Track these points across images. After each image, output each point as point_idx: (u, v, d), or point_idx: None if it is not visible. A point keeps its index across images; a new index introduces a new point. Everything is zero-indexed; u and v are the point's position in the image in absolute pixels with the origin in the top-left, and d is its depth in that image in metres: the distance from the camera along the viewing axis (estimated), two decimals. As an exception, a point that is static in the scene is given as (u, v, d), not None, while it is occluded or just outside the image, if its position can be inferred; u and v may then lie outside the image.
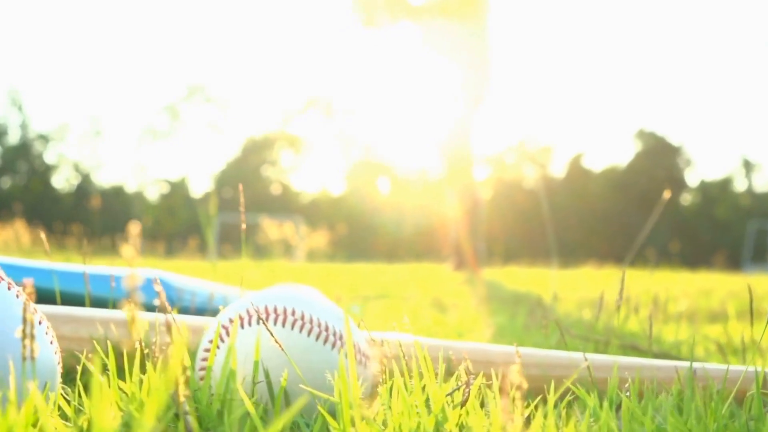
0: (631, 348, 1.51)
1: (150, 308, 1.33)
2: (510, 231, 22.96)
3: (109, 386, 0.70)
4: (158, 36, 43.05)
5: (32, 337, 0.50)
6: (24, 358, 0.53)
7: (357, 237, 23.38)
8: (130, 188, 29.59)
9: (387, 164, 28.52)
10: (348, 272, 5.82)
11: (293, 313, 0.82)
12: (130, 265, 0.49)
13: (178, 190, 29.30)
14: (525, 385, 0.51)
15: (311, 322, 0.82)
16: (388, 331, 1.12)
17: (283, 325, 0.81)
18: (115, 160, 40.61)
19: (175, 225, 26.54)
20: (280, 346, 0.77)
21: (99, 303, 1.24)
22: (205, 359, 0.81)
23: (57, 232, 11.87)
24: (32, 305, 0.71)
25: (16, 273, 1.16)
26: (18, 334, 0.54)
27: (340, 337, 0.83)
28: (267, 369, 0.77)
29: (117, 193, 27.98)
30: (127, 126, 40.19)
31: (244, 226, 0.99)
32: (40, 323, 0.68)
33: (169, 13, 42.93)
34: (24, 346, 0.52)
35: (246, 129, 38.46)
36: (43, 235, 1.07)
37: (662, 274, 6.03)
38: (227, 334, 0.82)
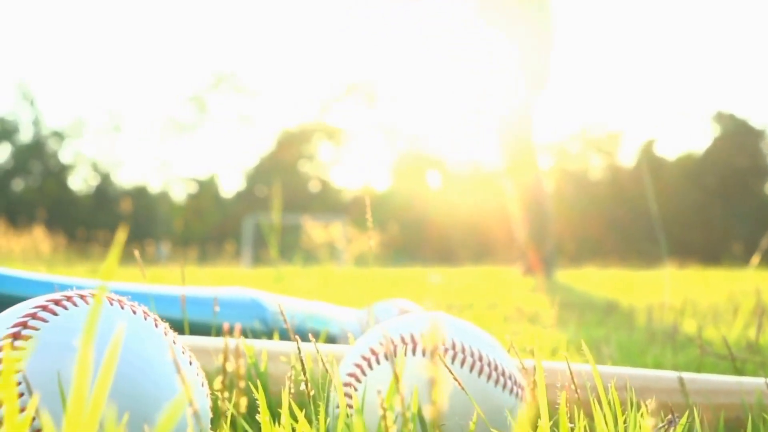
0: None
1: (245, 331, 1.33)
2: (576, 227, 22.87)
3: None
4: (181, 19, 43.28)
5: (240, 390, 0.48)
6: (221, 414, 0.51)
7: (405, 237, 23.37)
8: (153, 188, 29.80)
9: (437, 156, 28.52)
10: (409, 278, 5.80)
11: (443, 342, 0.80)
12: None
13: (206, 189, 29.44)
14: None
15: (463, 351, 0.80)
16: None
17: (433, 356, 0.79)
18: (137, 158, 40.79)
19: (205, 228, 26.67)
20: (460, 384, 0.75)
21: (198, 329, 1.23)
22: (348, 395, 0.79)
23: (79, 239, 11.96)
24: (180, 344, 0.70)
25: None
26: (219, 385, 0.52)
27: (495, 368, 0.81)
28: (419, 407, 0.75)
29: (140, 193, 28.14)
30: (149, 120, 40.35)
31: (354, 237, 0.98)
32: (190, 363, 0.67)
33: (192, -6, 43.14)
34: (222, 399, 0.51)
35: (280, 120, 38.66)
36: (137, 254, 1.06)
37: (761, 274, 5.95)
38: (369, 366, 0.80)
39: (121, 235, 0.41)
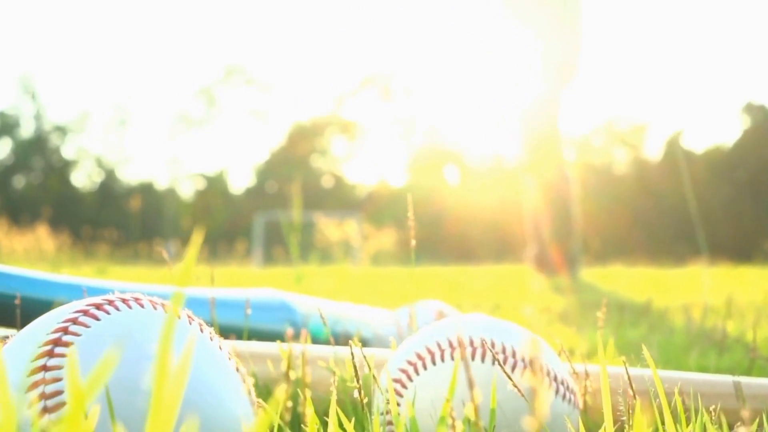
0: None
1: (275, 334, 1.32)
2: (600, 223, 22.82)
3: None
4: (190, 9, 43.29)
5: (307, 399, 0.47)
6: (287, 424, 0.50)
7: (422, 234, 23.33)
8: (160, 185, 29.81)
9: (455, 150, 28.47)
10: (431, 277, 5.79)
11: (493, 346, 0.80)
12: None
13: (215, 185, 29.47)
14: None
15: (514, 356, 0.79)
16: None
17: (482, 359, 0.79)
18: (144, 154, 40.87)
19: (214, 226, 26.68)
20: (520, 391, 0.74)
21: (227, 333, 1.22)
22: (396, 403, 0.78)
23: (84, 238, 11.97)
24: (226, 350, 0.69)
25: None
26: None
27: (547, 373, 0.80)
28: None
29: (146, 190, 28.14)
30: (156, 114, 40.43)
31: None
32: (237, 370, 0.67)
33: (199, -17, 43.14)
34: (287, 409, 0.50)
35: (292, 114, 38.64)
36: (164, 253, 1.05)
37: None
38: (415, 371, 0.80)
39: (197, 237, 0.40)
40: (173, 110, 32.41)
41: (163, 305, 0.67)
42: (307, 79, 41.44)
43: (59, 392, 0.59)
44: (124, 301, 0.65)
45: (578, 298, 3.85)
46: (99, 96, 42.78)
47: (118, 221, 21.99)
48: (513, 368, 0.78)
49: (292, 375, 0.51)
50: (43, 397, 0.59)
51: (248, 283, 4.00)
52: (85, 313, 0.64)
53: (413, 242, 0.97)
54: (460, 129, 31.59)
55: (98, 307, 0.64)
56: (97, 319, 0.63)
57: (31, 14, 39.57)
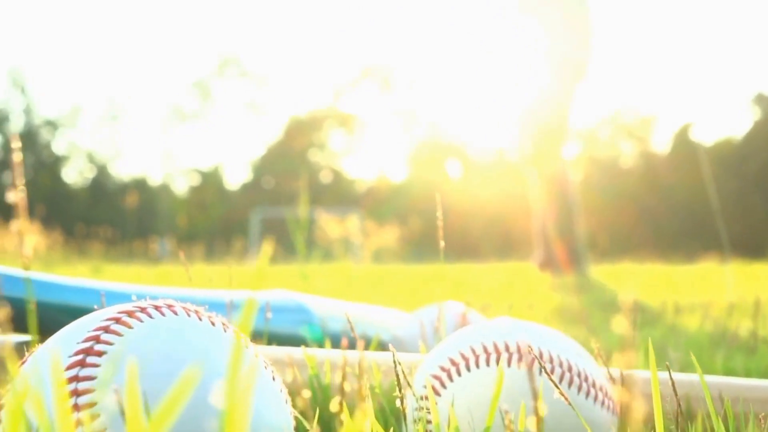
0: None
1: (292, 338, 1.32)
2: (606, 219, 22.80)
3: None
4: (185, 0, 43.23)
5: (363, 412, 0.47)
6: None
7: (423, 230, 23.30)
8: (154, 181, 29.80)
9: (457, 144, 28.47)
10: (435, 276, 5.77)
11: (529, 351, 0.79)
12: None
13: (210, 180, 29.46)
14: None
15: (551, 361, 0.79)
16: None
17: (519, 365, 0.78)
18: (136, 148, 40.83)
19: (209, 222, 26.67)
20: (567, 400, 0.73)
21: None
22: (427, 409, 0.78)
23: (77, 236, 11.94)
24: (262, 358, 0.68)
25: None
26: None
27: (585, 379, 0.79)
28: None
29: (139, 186, 28.12)
30: (149, 108, 40.38)
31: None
32: (273, 379, 0.66)
33: (192, -28, 43.10)
34: (341, 423, 0.49)
35: (289, 107, 38.63)
36: (182, 254, 1.04)
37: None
38: (449, 377, 0.79)
39: (268, 248, 0.39)
40: (167, 104, 32.38)
41: (197, 312, 0.66)
42: (305, 71, 41.39)
43: (92, 404, 0.58)
44: (156, 307, 0.64)
45: (590, 297, 3.84)
46: (90, 90, 42.77)
47: (112, 218, 21.98)
48: (551, 372, 0.78)
49: (347, 387, 0.50)
50: (76, 409, 0.58)
51: (248, 283, 3.99)
52: (117, 321, 0.62)
53: (442, 243, 0.96)
54: (462, 121, 31.59)
55: (130, 314, 0.63)
56: (130, 327, 0.62)
57: (21, 7, 39.55)
